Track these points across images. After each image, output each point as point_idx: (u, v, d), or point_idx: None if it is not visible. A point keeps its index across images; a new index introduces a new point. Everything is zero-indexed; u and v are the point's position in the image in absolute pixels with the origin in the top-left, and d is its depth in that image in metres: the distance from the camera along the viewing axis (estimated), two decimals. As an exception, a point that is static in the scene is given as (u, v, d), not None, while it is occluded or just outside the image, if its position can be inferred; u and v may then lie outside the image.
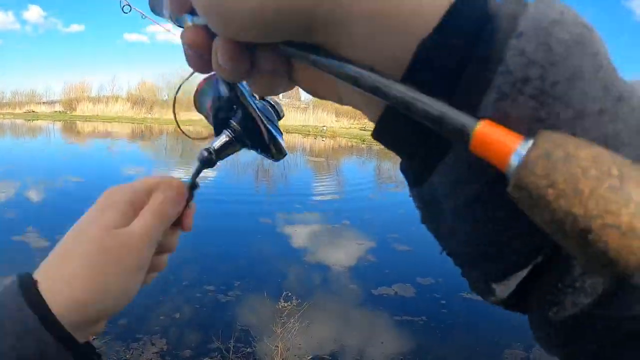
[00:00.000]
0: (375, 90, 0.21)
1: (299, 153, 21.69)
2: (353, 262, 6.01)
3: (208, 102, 0.47)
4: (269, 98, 0.48)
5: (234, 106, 0.44)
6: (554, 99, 0.18)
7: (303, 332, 3.99)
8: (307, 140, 28.45)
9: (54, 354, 0.40)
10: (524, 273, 0.21)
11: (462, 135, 0.18)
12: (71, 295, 0.41)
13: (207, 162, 0.47)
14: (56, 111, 32.79)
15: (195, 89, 0.50)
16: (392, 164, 22.21)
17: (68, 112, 31.22)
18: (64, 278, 0.42)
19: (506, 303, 0.23)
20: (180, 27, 0.32)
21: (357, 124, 37.78)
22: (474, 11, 0.20)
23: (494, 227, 0.20)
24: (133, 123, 27.78)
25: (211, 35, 0.27)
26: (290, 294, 4.51)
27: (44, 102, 36.37)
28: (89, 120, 27.49)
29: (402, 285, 5.22)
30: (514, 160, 0.16)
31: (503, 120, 0.18)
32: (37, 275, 0.43)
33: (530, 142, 0.17)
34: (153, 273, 0.50)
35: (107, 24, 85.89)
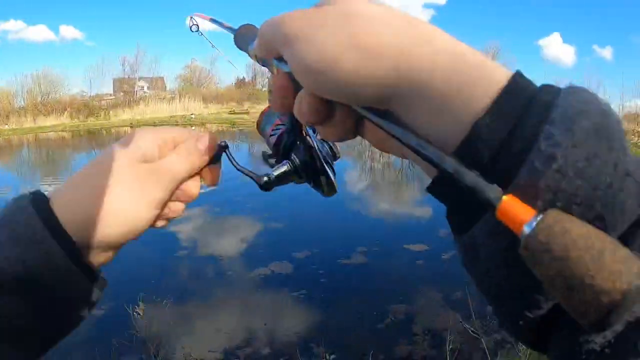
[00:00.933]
0: (430, 160, 0.27)
1: None
2: (228, 249, 6.12)
3: (270, 127, 0.54)
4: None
5: (297, 141, 0.49)
6: (574, 173, 0.23)
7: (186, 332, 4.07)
8: (177, 131, 27.95)
9: (60, 266, 0.41)
10: (542, 311, 0.25)
11: (491, 205, 0.24)
12: (82, 213, 0.43)
13: (264, 186, 0.49)
14: None
15: (262, 110, 0.57)
16: (264, 146, 23.09)
17: None
18: (77, 198, 0.44)
19: (530, 341, 0.29)
20: (264, 66, 0.39)
21: (226, 108, 38.11)
22: (517, 99, 0.26)
23: (516, 272, 0.25)
24: (-16, 137, 25.65)
25: (297, 84, 0.33)
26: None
27: None
28: None
29: (278, 263, 5.37)
30: (525, 230, 0.22)
31: (533, 188, 0.23)
32: (52, 194, 0.44)
33: (540, 217, 0.22)
34: (164, 220, 0.49)
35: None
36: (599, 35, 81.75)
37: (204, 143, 0.48)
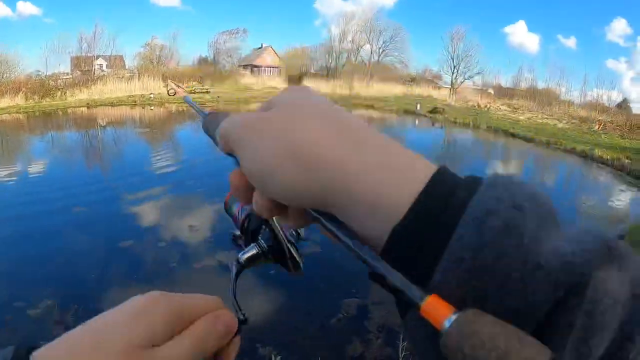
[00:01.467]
0: (364, 261, 0.30)
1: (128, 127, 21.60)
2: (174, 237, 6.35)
3: (236, 208, 0.57)
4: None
5: (263, 225, 0.51)
6: (483, 272, 0.25)
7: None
8: (135, 111, 27.90)
9: None
10: None
11: (415, 305, 0.26)
12: None
13: (239, 271, 0.51)
14: None
15: (228, 194, 0.59)
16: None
17: None
18: None
19: None
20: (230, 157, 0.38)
21: (186, 87, 37.29)
22: (435, 200, 0.28)
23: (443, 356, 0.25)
24: None
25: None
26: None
27: None
28: None
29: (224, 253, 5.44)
30: (443, 328, 0.24)
31: (448, 286, 0.26)
32: (37, 354, 0.36)
33: (454, 317, 0.24)
34: None
35: None
36: (564, 25, 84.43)
37: (224, 324, 0.41)
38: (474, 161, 16.59)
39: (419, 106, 30.42)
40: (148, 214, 7.34)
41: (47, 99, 29.03)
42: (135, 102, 30.47)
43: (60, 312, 4.19)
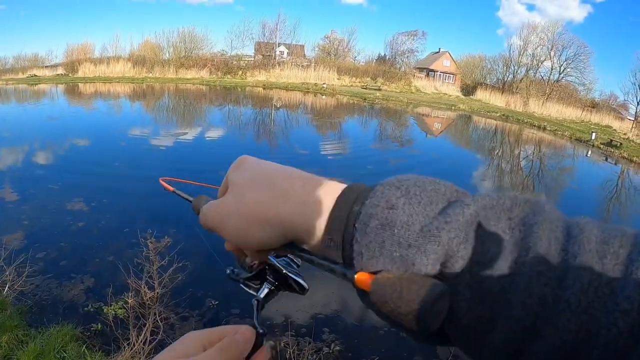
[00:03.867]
0: (314, 264, 0.44)
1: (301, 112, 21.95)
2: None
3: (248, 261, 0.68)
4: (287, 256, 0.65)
5: (266, 267, 0.63)
6: (375, 258, 0.39)
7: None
8: (307, 97, 28.34)
9: None
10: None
11: (351, 280, 0.39)
12: None
13: (262, 307, 0.61)
14: (58, 74, 32.57)
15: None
16: (394, 124, 22.44)
17: (70, 75, 31.10)
18: None
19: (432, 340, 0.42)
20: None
21: (360, 82, 37.87)
22: (340, 217, 0.42)
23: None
24: (134, 83, 27.89)
25: None
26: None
27: (46, 66, 36.14)
28: (91, 82, 27.50)
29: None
30: (370, 289, 0.37)
31: (365, 268, 0.40)
32: None
33: (374, 279, 0.37)
34: None
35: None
36: None
37: (242, 335, 0.50)
38: None
39: (594, 135, 26.22)
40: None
41: (229, 76, 30.52)
42: (309, 89, 30.88)
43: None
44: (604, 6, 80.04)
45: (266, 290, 0.62)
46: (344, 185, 0.45)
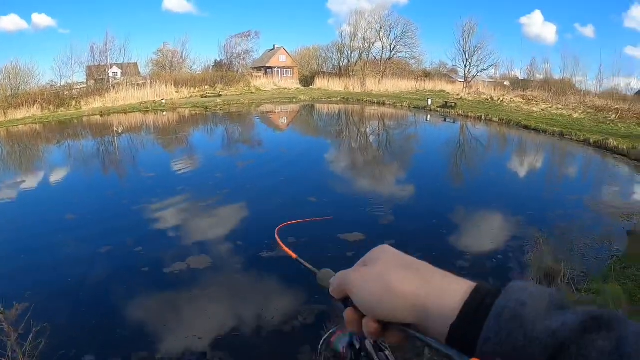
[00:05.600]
0: (441, 351, 0.48)
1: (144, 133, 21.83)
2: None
3: (342, 347, 0.75)
4: (386, 351, 0.71)
5: (362, 353, 0.68)
6: (502, 344, 0.44)
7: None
8: (148, 117, 28.24)
9: None
10: None
11: None
12: None
13: None
14: None
15: (333, 335, 0.78)
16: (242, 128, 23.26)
17: None
18: None
19: None
20: (338, 303, 0.63)
21: (199, 91, 38.39)
22: (470, 307, 0.48)
23: None
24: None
25: (361, 313, 0.57)
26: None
27: None
28: None
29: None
30: None
31: (485, 354, 0.44)
32: None
33: None
34: None
35: None
36: (581, 13, 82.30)
37: None
38: (485, 155, 16.39)
39: (430, 101, 30.15)
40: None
41: (62, 109, 29.42)
42: (148, 108, 30.83)
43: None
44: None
45: None
46: (474, 283, 0.51)
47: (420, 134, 21.37)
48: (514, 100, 33.21)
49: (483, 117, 25.20)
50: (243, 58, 49.26)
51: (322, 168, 13.58)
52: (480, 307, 0.47)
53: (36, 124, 25.82)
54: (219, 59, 49.65)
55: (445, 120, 25.50)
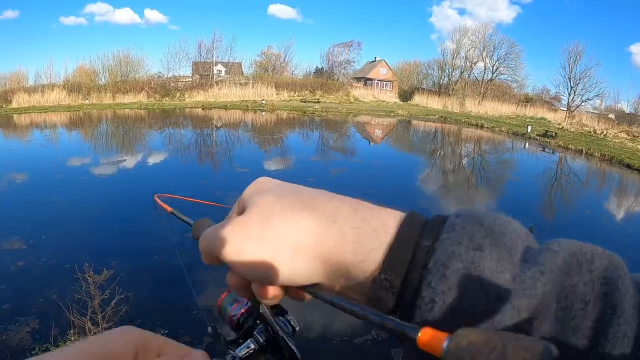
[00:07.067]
0: (359, 316, 0.32)
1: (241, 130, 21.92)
2: None
3: (231, 308, 0.59)
4: (288, 316, 0.56)
5: (257, 320, 0.54)
6: (452, 310, 0.31)
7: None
8: (247, 115, 28.47)
9: None
10: None
11: (412, 340, 0.28)
12: None
13: None
14: (-10, 105, 30.92)
15: (221, 297, 0.61)
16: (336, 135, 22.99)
17: (4, 106, 29.96)
18: None
19: None
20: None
21: (298, 96, 38.33)
22: (403, 252, 0.34)
23: None
24: (70, 111, 27.01)
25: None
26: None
27: (-23, 96, 34.53)
28: (25, 112, 26.43)
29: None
30: (442, 351, 0.26)
31: (434, 322, 0.31)
32: None
33: (449, 338, 0.26)
34: None
35: (42, 8, 77.43)
36: None
37: None
38: (582, 193, 14.46)
39: (529, 128, 27.79)
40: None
41: (167, 99, 30.51)
42: (248, 106, 31.01)
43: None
44: (531, 6, 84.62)
45: (249, 349, 0.53)
46: (402, 213, 0.37)
47: (516, 162, 19.62)
48: (618, 136, 29.52)
49: (584, 151, 22.28)
50: (344, 67, 49.06)
51: (412, 184, 12.51)
52: (415, 255, 0.34)
53: (141, 109, 26.78)
54: (320, 66, 49.90)
55: (544, 149, 23.20)
